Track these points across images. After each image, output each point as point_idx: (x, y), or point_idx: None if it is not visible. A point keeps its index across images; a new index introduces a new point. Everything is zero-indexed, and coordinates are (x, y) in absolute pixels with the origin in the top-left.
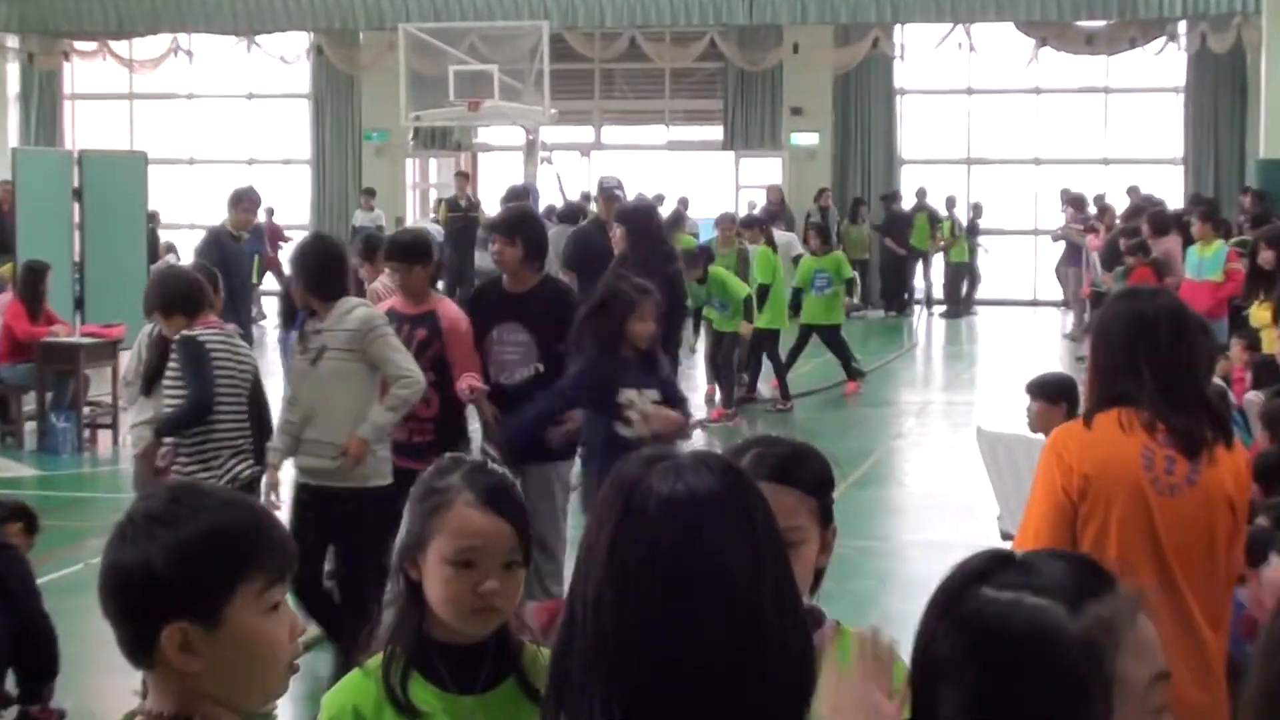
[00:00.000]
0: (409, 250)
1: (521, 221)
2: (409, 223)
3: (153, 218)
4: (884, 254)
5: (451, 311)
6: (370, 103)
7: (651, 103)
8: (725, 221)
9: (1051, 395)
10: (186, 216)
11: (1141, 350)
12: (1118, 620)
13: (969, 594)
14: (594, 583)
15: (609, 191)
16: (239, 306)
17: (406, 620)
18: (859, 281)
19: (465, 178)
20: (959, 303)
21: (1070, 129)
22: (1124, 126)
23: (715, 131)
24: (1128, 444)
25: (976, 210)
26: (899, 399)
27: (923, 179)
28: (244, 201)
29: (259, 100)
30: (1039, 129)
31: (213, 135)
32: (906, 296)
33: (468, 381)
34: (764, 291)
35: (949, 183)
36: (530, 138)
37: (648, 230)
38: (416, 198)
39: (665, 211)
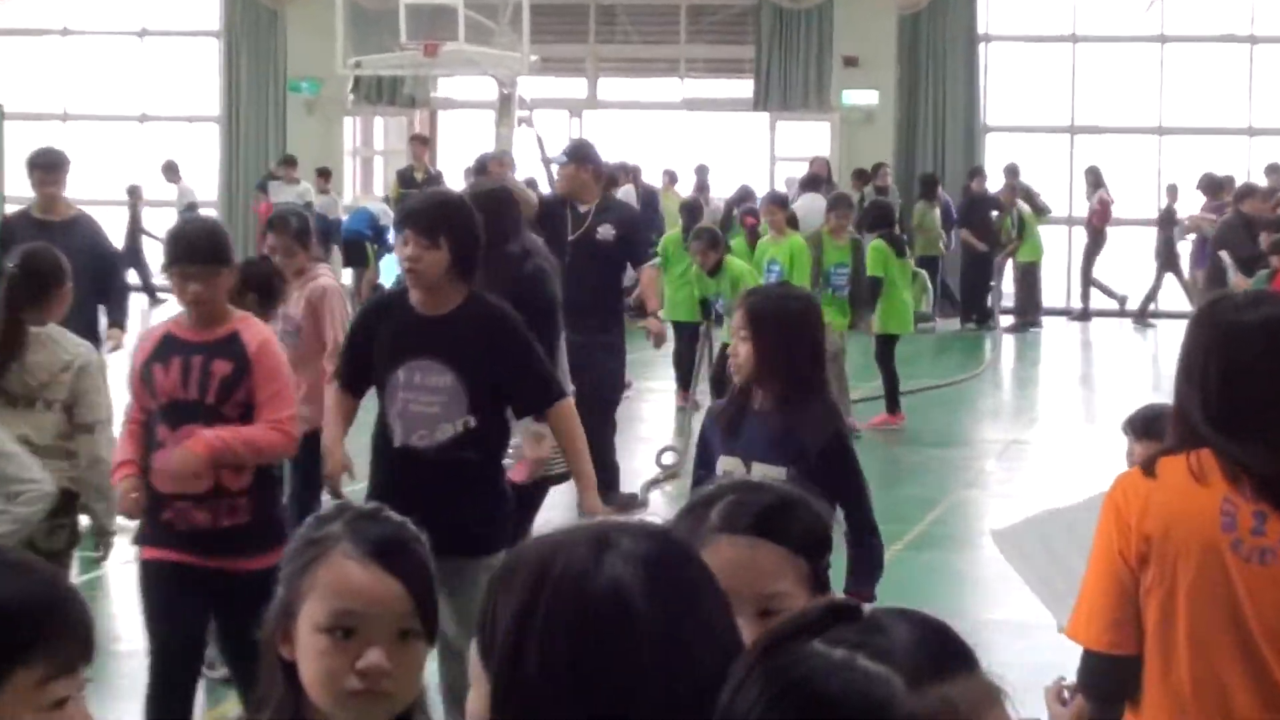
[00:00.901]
0: (206, 251)
1: (447, 215)
2: (347, 200)
3: (134, 193)
4: (964, 250)
5: (259, 332)
6: (298, 44)
7: (662, 49)
8: (773, 204)
9: (1160, 435)
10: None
11: (1226, 376)
12: (966, 711)
13: (795, 645)
14: (495, 680)
15: (482, 163)
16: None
17: (279, 712)
18: (929, 286)
19: (422, 143)
20: (1030, 313)
21: (1204, 89)
22: (1274, 85)
23: (745, 87)
24: (1203, 496)
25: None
26: (974, 436)
27: (1013, 151)
28: (38, 170)
29: (154, 39)
30: (1163, 88)
31: (93, 84)
32: (990, 304)
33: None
34: (876, 286)
35: (1047, 156)
36: (505, 92)
37: (499, 220)
38: (357, 167)
39: (683, 186)
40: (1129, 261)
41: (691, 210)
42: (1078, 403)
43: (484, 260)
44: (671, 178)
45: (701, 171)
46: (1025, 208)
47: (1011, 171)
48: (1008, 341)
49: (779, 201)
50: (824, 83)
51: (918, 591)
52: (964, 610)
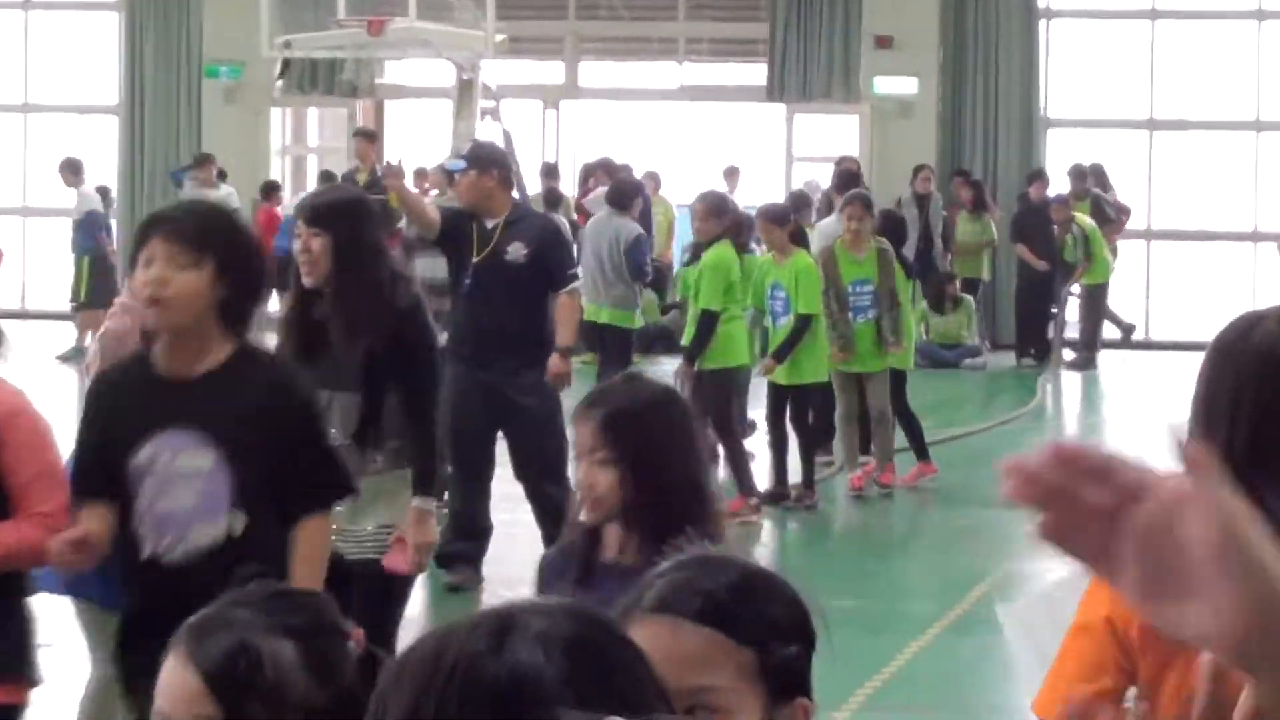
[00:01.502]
0: None
1: (217, 227)
2: (286, 204)
3: (104, 193)
4: (1020, 269)
5: (6, 397)
6: (216, 20)
7: (657, 26)
8: (768, 220)
9: None
10: None
11: (1266, 410)
12: None
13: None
14: None
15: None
16: None
17: None
18: (973, 309)
19: (368, 139)
20: (1093, 346)
21: None
22: None
23: (756, 72)
24: None
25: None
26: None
27: (1080, 150)
28: None
29: (40, 12)
30: (1261, 74)
31: None
32: (1051, 336)
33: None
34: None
35: (1120, 155)
36: (465, 78)
37: (358, 237)
38: (287, 167)
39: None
40: (1217, 284)
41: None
42: (1155, 450)
43: (340, 293)
44: (656, 181)
45: (732, 176)
46: (1087, 221)
47: (1079, 174)
48: (1069, 380)
49: (775, 217)
50: (851, 67)
51: (960, 683)
52: (1016, 707)
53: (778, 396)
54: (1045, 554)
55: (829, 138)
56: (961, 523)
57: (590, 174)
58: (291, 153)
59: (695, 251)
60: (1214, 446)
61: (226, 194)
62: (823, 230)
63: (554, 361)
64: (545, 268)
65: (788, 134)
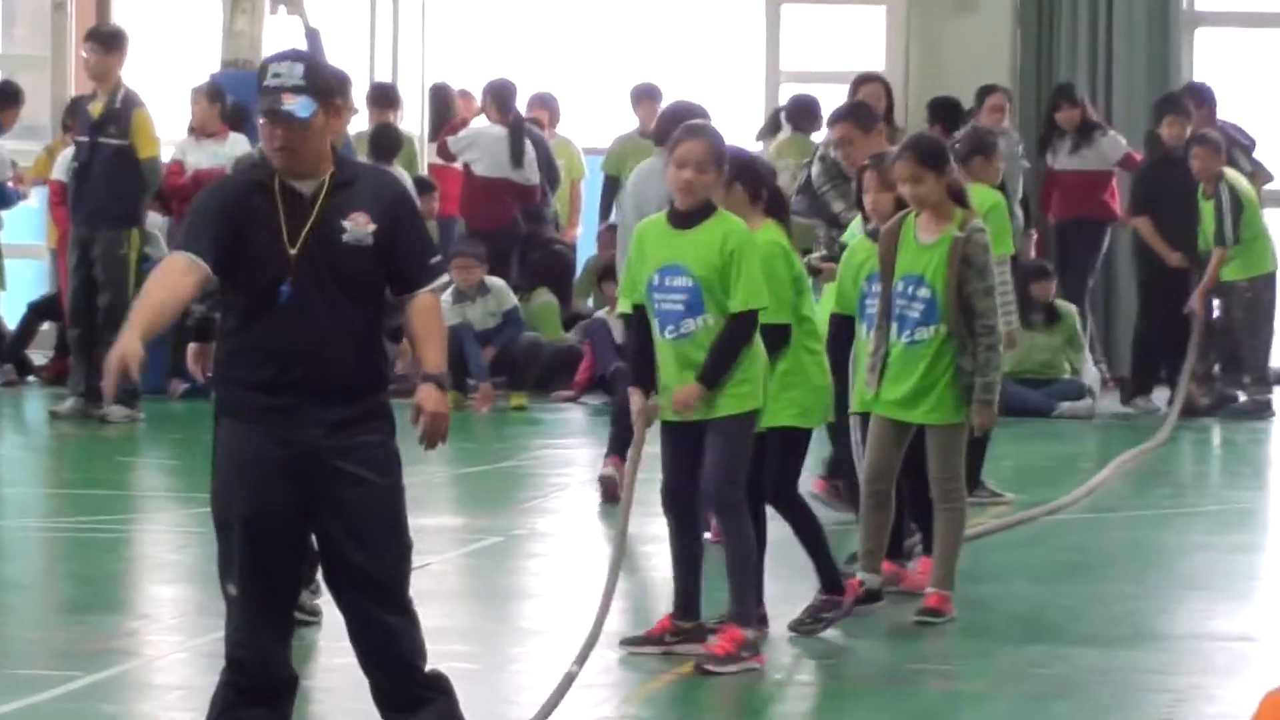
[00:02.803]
0: None
1: None
2: None
3: None
4: (1142, 258)
5: None
6: None
7: None
8: (741, 168)
9: None
10: None
11: None
12: None
13: None
14: None
15: None
16: None
17: None
18: (1077, 325)
19: (105, 46)
20: (1270, 381)
21: None
22: None
23: None
24: None
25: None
26: (1168, 625)
27: (1237, 64)
28: None
29: None
30: None
31: None
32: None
33: None
34: None
35: None
36: None
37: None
38: None
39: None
40: None
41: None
42: None
43: None
44: (549, 109)
45: (645, 101)
46: (1240, 181)
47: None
48: (1221, 439)
49: (744, 172)
50: None
51: None
52: None
53: None
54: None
55: (836, 45)
56: (1061, 670)
57: (446, 101)
58: None
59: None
60: None
61: None
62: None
63: (426, 395)
64: (400, 254)
65: (769, 36)
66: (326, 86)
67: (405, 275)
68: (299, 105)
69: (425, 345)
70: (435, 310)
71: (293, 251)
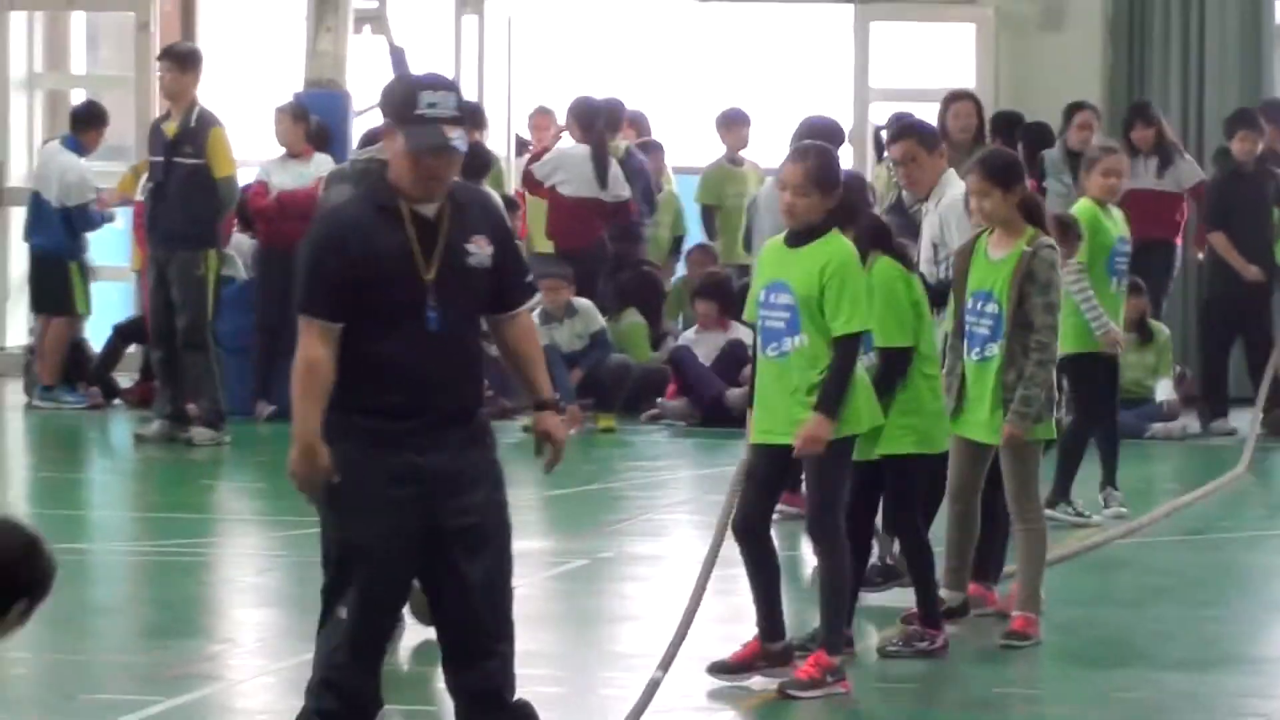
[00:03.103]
0: None
1: None
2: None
3: None
4: (1214, 273)
5: None
6: None
7: None
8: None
9: None
10: None
11: None
12: None
13: None
14: None
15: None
16: None
17: None
18: (1168, 344)
19: (180, 64)
20: None
21: None
22: None
23: None
24: None
25: None
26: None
27: None
28: None
29: None
30: None
31: None
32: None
33: None
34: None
35: None
36: None
37: None
38: (38, 104)
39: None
40: None
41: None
42: None
43: None
44: (637, 127)
45: (732, 128)
46: None
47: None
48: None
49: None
50: None
51: None
52: None
53: None
54: None
55: (926, 60)
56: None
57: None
58: (43, 85)
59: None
60: None
61: None
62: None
63: (555, 424)
64: (505, 274)
65: (861, 52)
66: (470, 115)
67: (507, 295)
68: (459, 138)
69: (537, 370)
70: (535, 331)
71: (429, 277)
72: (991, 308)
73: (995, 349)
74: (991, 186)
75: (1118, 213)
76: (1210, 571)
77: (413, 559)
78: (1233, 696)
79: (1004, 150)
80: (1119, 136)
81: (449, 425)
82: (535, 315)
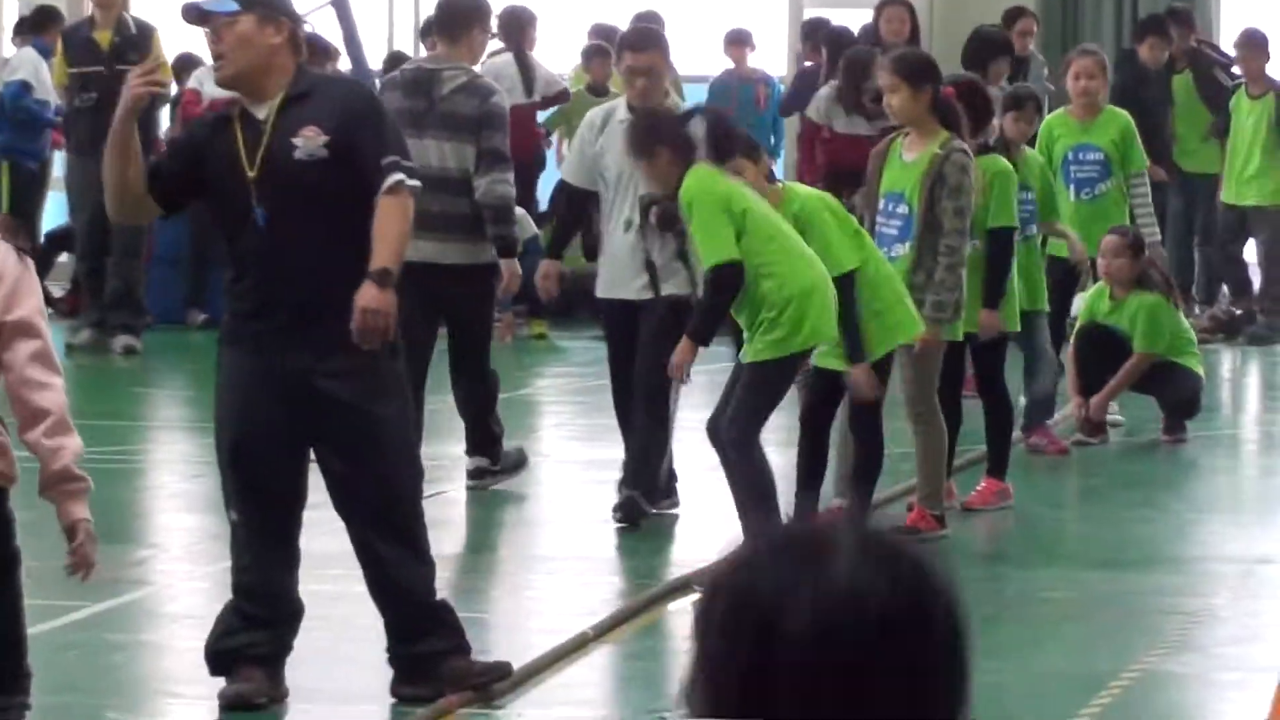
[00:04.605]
0: None
1: None
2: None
3: None
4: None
5: None
6: None
7: None
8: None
9: None
10: None
11: None
12: None
13: None
14: None
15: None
16: None
17: None
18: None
19: None
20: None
21: None
22: None
23: None
24: None
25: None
26: (1186, 550)
27: None
28: None
29: None
30: None
31: None
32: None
33: None
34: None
35: None
36: None
37: None
38: None
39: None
40: None
41: None
42: None
43: None
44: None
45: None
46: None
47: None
48: (1248, 361)
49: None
50: None
51: None
52: None
53: None
54: (1202, 648)
55: None
56: (1072, 597)
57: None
58: None
59: None
60: None
61: None
62: None
63: (361, 292)
64: (357, 161)
65: None
66: None
67: (365, 183)
68: (216, 3)
69: (377, 244)
70: (391, 211)
71: (252, 175)
72: (902, 209)
73: (903, 250)
74: (900, 82)
75: (1095, 121)
76: (1140, 473)
77: (281, 458)
78: (1157, 595)
79: (919, 50)
80: (1057, 42)
81: (307, 325)
82: None
